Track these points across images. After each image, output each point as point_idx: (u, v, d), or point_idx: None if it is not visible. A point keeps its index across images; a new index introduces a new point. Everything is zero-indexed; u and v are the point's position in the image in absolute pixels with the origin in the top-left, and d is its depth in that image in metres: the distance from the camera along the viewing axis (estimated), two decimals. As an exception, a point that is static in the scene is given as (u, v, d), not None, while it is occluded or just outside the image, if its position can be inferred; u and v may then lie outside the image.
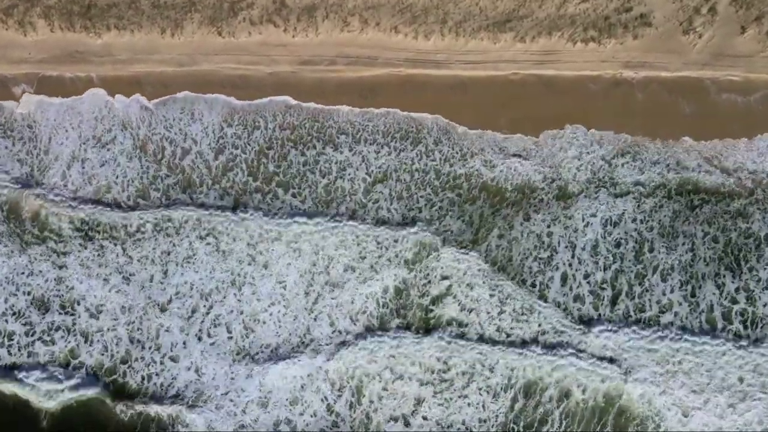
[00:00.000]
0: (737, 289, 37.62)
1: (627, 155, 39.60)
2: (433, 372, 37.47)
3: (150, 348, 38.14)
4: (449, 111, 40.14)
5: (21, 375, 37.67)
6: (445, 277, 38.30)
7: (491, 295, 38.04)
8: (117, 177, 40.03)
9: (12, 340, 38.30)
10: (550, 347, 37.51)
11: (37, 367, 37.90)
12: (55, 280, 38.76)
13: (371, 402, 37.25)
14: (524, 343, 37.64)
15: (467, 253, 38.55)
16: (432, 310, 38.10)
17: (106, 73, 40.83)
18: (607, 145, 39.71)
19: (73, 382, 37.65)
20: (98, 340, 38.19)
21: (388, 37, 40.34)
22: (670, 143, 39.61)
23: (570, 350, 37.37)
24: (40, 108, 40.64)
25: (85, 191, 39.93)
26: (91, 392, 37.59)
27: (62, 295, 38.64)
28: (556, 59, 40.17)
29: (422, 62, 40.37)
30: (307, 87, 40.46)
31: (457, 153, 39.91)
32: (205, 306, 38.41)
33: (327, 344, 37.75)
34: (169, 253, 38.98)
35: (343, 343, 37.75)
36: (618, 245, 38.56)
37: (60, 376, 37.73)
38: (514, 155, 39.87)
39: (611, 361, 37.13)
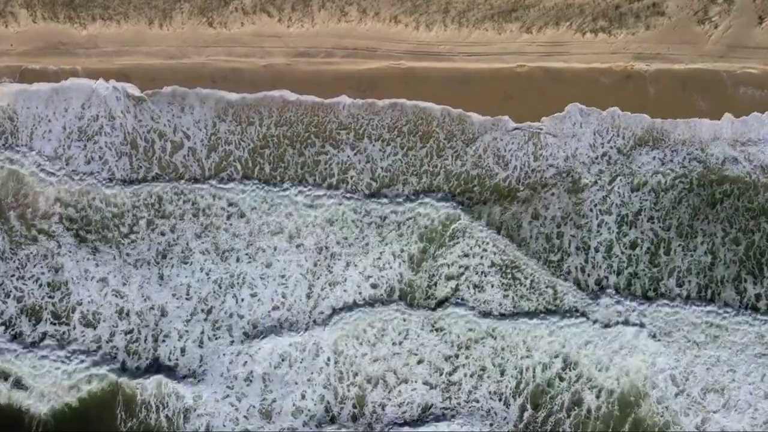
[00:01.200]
0: (758, 296, 36.49)
1: (647, 144, 38.29)
2: (441, 374, 36.38)
3: (147, 359, 37.05)
4: (452, 105, 38.96)
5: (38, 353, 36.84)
6: (450, 278, 37.05)
7: (505, 296, 36.77)
8: (104, 179, 38.47)
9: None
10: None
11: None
12: (48, 285, 37.40)
13: (374, 412, 36.27)
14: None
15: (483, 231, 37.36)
16: (439, 318, 37.02)
17: (92, 66, 39.48)
18: (624, 130, 38.34)
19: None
20: (94, 350, 37.06)
21: (387, 27, 39.05)
22: (692, 122, 38.32)
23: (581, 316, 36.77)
24: (20, 99, 38.94)
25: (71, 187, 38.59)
26: (104, 370, 36.70)
27: (56, 302, 37.31)
28: (564, 51, 39.00)
29: (423, 54, 39.21)
30: (302, 80, 39.20)
31: (470, 149, 38.45)
32: (203, 311, 37.35)
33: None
34: (164, 256, 37.66)
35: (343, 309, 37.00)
36: (633, 247, 37.32)
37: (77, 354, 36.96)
38: (532, 129, 38.55)
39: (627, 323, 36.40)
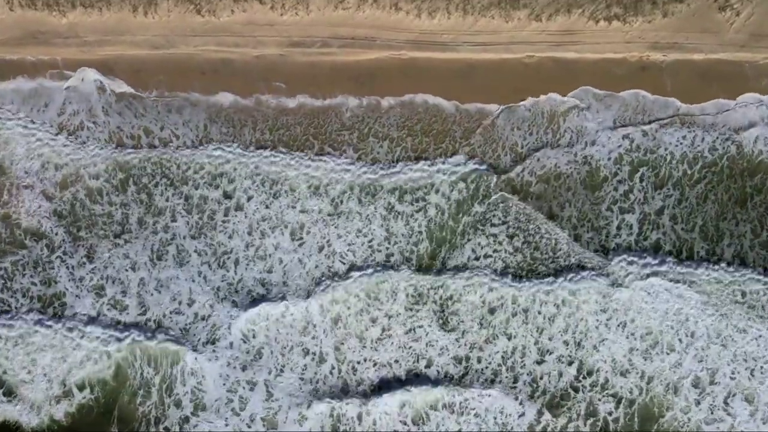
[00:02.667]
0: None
1: (673, 124, 37.16)
2: (450, 380, 35.48)
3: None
4: (456, 99, 37.65)
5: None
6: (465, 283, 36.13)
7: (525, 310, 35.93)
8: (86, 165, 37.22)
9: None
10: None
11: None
12: (39, 298, 36.09)
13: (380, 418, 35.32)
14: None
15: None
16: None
17: (72, 56, 37.78)
18: (649, 117, 37.20)
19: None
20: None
21: (387, 15, 37.49)
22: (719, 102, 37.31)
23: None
24: (-4, 95, 37.64)
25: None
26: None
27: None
28: (576, 40, 37.54)
29: (426, 44, 37.75)
30: (297, 72, 37.66)
31: (488, 149, 37.27)
32: (203, 317, 36.12)
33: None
34: (160, 257, 36.33)
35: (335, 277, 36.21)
36: (656, 251, 36.25)
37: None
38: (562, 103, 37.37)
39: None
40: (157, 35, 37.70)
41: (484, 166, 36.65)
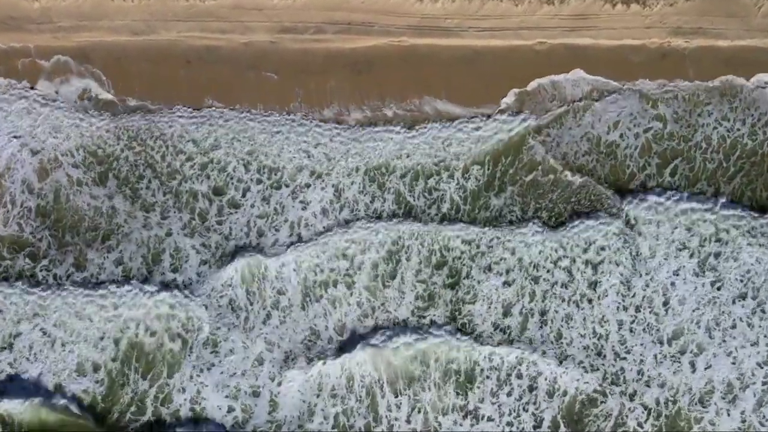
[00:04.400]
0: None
1: (712, 100, 35.56)
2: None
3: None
4: (460, 90, 36.21)
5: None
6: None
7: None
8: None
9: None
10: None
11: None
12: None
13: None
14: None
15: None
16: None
17: (46, 44, 36.81)
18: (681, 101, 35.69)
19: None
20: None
21: None
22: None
23: None
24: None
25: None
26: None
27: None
28: (592, 25, 36.10)
29: (428, 29, 36.46)
30: (289, 60, 36.47)
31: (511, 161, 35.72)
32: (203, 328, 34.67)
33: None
34: (158, 258, 34.93)
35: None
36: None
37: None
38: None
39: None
40: (137, 20, 36.58)
41: (531, 118, 35.36)
